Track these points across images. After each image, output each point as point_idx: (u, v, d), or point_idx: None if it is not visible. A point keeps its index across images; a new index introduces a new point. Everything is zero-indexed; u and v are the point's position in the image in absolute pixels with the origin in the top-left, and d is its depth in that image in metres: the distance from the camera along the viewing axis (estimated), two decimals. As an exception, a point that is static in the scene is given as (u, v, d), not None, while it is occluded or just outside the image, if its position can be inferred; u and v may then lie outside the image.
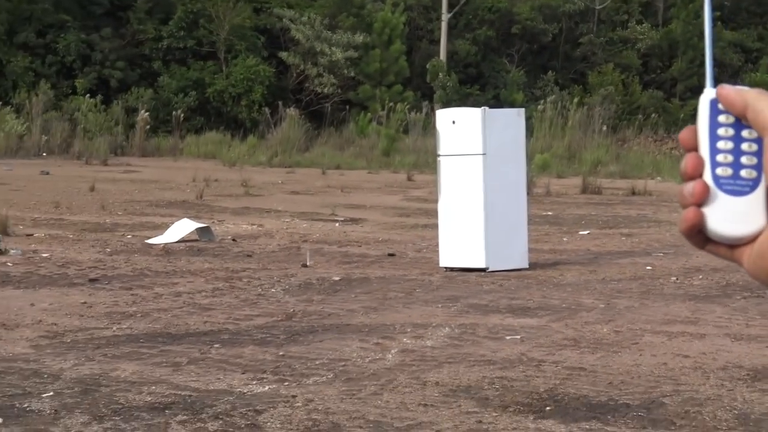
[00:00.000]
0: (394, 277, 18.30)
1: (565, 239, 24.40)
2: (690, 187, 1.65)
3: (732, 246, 1.66)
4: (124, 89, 63.60)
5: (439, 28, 69.93)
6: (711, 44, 1.78)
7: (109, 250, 20.99)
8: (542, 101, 60.25)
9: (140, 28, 67.47)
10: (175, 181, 37.85)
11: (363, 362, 11.77)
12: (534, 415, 9.89)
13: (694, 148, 1.68)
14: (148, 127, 56.88)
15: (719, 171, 1.64)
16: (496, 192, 19.32)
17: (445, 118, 20.18)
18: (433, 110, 43.79)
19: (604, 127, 59.37)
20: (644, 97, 71.50)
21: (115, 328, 13.48)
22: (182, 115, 59.96)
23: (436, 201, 20.14)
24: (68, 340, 12.75)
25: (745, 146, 1.64)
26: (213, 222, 24.83)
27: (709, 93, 1.69)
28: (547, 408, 10.14)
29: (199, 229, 22.72)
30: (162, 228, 23.39)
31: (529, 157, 24.19)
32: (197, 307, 15.05)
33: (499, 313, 14.93)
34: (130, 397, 10.23)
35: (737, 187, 1.64)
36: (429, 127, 47.77)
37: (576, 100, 61.48)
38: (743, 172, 1.64)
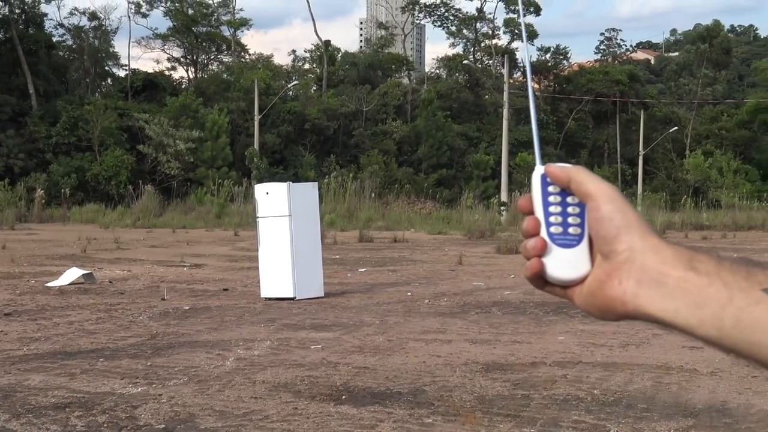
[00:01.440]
0: (228, 305, 18.10)
1: (349, 275, 24.35)
2: (532, 242, 1.63)
3: (565, 287, 1.65)
4: (25, 174, 62.64)
5: (253, 126, 69.70)
6: (537, 129, 1.76)
7: (18, 291, 20.43)
8: (328, 176, 60.39)
9: (35, 129, 66.30)
10: (65, 240, 37.08)
11: (209, 368, 11.62)
12: (334, 402, 9.83)
13: (531, 212, 1.67)
14: (43, 201, 55.85)
15: (552, 229, 1.63)
16: (299, 241, 19.27)
17: (262, 190, 20.09)
18: (250, 185, 43.59)
19: (372, 194, 59.77)
20: (399, 173, 72.26)
21: (25, 349, 13.12)
22: (68, 192, 59.09)
23: (256, 250, 19.98)
24: (-10, 360, 12.38)
25: (570, 209, 1.64)
26: (94, 269, 24.34)
27: (539, 169, 1.68)
28: (343, 397, 10.08)
29: (84, 275, 22.26)
30: (57, 274, 22.87)
31: (321, 217, 24.10)
32: (86, 332, 14.71)
33: (305, 330, 14.84)
34: (39, 400, 9.96)
35: (567, 240, 1.63)
36: (248, 197, 47.53)
37: (351, 175, 61.93)
38: (571, 230, 1.63)
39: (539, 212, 1.66)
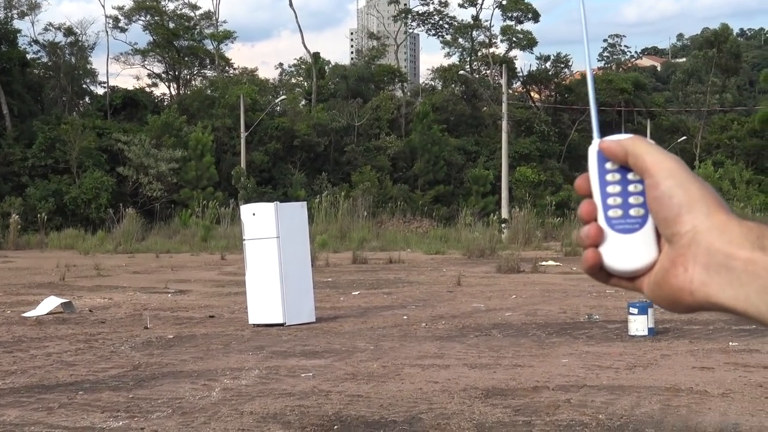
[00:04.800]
0: (214, 333, 18.11)
1: (341, 298, 24.36)
2: (586, 230, 1.54)
3: (631, 278, 1.55)
4: (0, 198, 62.39)
5: (240, 143, 69.70)
6: (594, 100, 1.64)
7: (-7, 323, 20.47)
8: (319, 195, 60.36)
9: (10, 152, 66.24)
10: (42, 267, 37.07)
11: (194, 399, 11.62)
12: (326, 433, 9.86)
13: (588, 195, 1.58)
14: (19, 227, 55.73)
15: (611, 213, 1.54)
16: (288, 265, 19.29)
17: (248, 211, 20.12)
18: (237, 206, 43.61)
19: (366, 213, 59.70)
20: (394, 190, 72.22)
21: (0, 383, 13.12)
22: (45, 216, 58.97)
23: (244, 274, 19.99)
24: (-36, 395, 12.38)
25: (631, 188, 1.53)
26: (74, 297, 24.33)
27: (596, 143, 1.58)
28: (335, 427, 10.10)
29: (63, 304, 22.24)
30: (34, 304, 22.86)
31: (312, 238, 24.13)
32: (64, 364, 14.72)
33: (295, 357, 14.85)
34: (15, 437, 9.98)
35: (628, 225, 1.53)
36: (235, 219, 47.54)
37: (344, 193, 61.96)
38: (632, 212, 1.53)
39: (596, 194, 1.58)
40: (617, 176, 1.55)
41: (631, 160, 1.54)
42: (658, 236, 1.53)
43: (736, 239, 1.46)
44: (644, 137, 1.56)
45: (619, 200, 1.54)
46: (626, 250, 1.54)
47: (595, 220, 1.55)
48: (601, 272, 1.56)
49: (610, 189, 1.55)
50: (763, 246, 1.44)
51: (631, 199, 1.54)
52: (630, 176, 1.54)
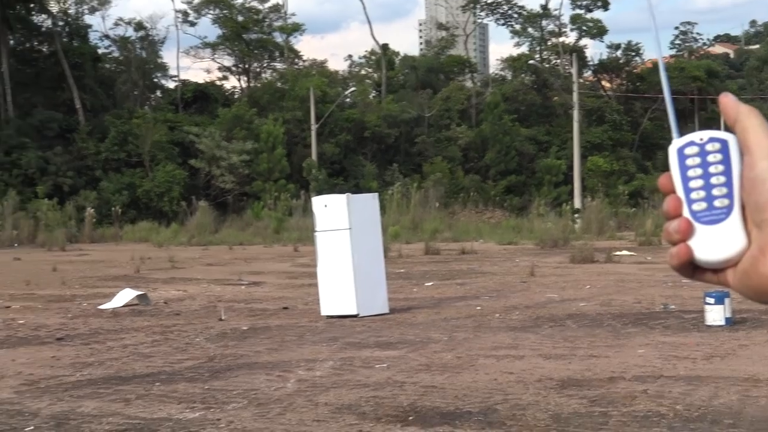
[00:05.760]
0: (288, 324, 18.18)
1: (415, 290, 24.36)
2: (675, 225, 1.51)
3: (716, 270, 1.52)
4: (75, 192, 63.17)
5: (310, 136, 69.85)
6: (671, 101, 1.63)
7: (70, 315, 20.67)
8: (391, 187, 60.41)
9: (84, 146, 66.93)
10: (117, 260, 37.43)
11: (269, 390, 11.68)
12: (400, 424, 9.86)
13: (672, 191, 1.55)
14: (94, 220, 56.39)
15: (695, 207, 1.52)
16: (360, 256, 19.30)
17: (319, 203, 20.15)
18: (309, 197, 43.78)
19: (437, 204, 59.73)
20: (466, 181, 72.07)
21: (78, 375, 13.27)
22: (119, 210, 59.51)
23: (316, 266, 20.04)
24: (42, 386, 12.53)
25: (713, 179, 1.52)
26: (149, 290, 24.54)
27: (675, 143, 1.57)
28: (410, 418, 10.10)
29: (138, 296, 22.46)
30: (110, 296, 23.09)
31: (384, 229, 24.13)
32: (140, 356, 14.85)
33: (369, 348, 14.87)
34: (93, 427, 10.07)
35: (713, 216, 1.51)
36: (307, 210, 47.71)
37: (415, 185, 61.97)
38: (716, 202, 1.51)
39: (679, 189, 1.56)
40: (699, 170, 1.54)
41: (738, 129, 1.52)
42: (746, 223, 1.49)
43: None
44: (759, 114, 1.52)
45: (702, 193, 1.53)
46: (715, 241, 1.52)
47: (681, 215, 1.53)
48: (687, 266, 1.53)
49: (692, 184, 1.54)
50: None
51: (715, 191, 1.52)
52: (711, 169, 1.52)
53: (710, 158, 1.51)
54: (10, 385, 12.69)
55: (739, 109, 1.51)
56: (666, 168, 1.56)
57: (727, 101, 1.51)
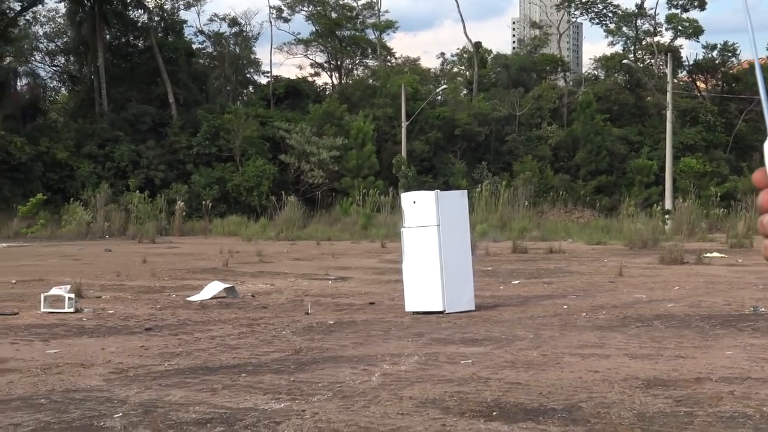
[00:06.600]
0: (374, 319, 18.24)
1: (501, 287, 24.31)
2: None
3: None
4: (166, 186, 63.94)
5: (400, 133, 69.91)
6: (767, 101, 1.70)
7: (159, 306, 20.91)
8: (479, 185, 60.32)
9: (176, 140, 67.70)
10: (206, 253, 37.80)
11: (354, 383, 11.74)
12: (484, 419, 9.87)
13: (766, 185, 1.60)
14: (184, 213, 56.97)
15: None
16: (448, 253, 19.30)
17: (408, 199, 20.17)
18: (398, 194, 43.82)
19: (526, 203, 59.51)
20: (555, 180, 71.72)
21: (166, 365, 13.43)
22: (209, 203, 60.04)
23: (401, 262, 20.05)
24: (131, 375, 12.70)
25: None
26: (236, 283, 24.75)
27: None
28: (494, 413, 10.11)
29: (226, 289, 22.65)
30: (198, 288, 23.33)
31: (472, 227, 24.11)
32: (227, 347, 15.00)
33: (454, 344, 14.89)
34: (180, 415, 10.19)
35: None
36: (395, 207, 47.76)
37: (504, 183, 61.93)
38: None
39: None
40: None
41: None
42: None
43: None
44: None
45: None
46: None
47: None
48: None
49: None
50: None
51: None
52: None
53: None
54: (99, 373, 12.88)
55: None
56: (761, 165, 1.59)
57: None
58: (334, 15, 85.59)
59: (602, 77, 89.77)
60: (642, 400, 10.60)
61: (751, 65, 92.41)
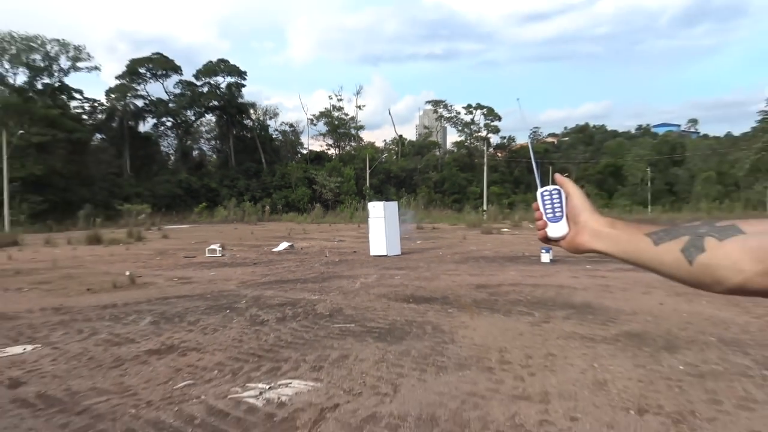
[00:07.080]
0: (356, 259, 17.99)
1: (412, 244, 23.60)
2: (540, 223, 1.66)
3: (557, 241, 1.65)
4: (260, 199, 62.64)
5: (366, 175, 68.25)
6: (537, 166, 1.74)
7: (259, 252, 20.64)
8: (401, 198, 57.13)
9: (266, 179, 65.47)
10: (279, 230, 37.23)
11: (348, 287, 11.72)
12: (406, 303, 9.83)
13: (538, 209, 1.68)
14: (269, 211, 55.95)
15: (548, 215, 1.64)
16: (388, 228, 18.30)
17: (371, 205, 19.03)
18: (366, 204, 41.96)
19: (422, 207, 56.01)
20: (436, 197, 68.39)
21: (263, 279, 13.34)
22: (280, 207, 58.93)
23: (368, 233, 19.59)
24: (248, 283, 12.62)
25: (555, 205, 1.63)
26: (294, 242, 24.55)
27: (540, 189, 1.67)
28: (410, 300, 10.08)
29: (289, 245, 22.46)
30: (276, 245, 23.09)
31: (401, 218, 23.30)
32: (290, 271, 14.86)
33: (392, 269, 14.68)
34: (270, 302, 10.16)
35: (555, 218, 1.63)
36: (365, 209, 45.45)
37: (414, 199, 59.53)
38: (557, 213, 1.63)
39: (542, 209, 1.67)
40: (549, 203, 1.66)
41: (564, 187, 1.66)
42: (569, 222, 1.65)
43: (602, 223, 1.60)
44: (569, 180, 1.67)
45: (549, 211, 1.65)
46: (556, 229, 1.65)
47: (541, 219, 1.67)
48: (545, 239, 1.68)
49: (547, 206, 1.66)
50: (613, 226, 1.58)
51: (556, 210, 1.65)
52: (555, 203, 1.65)
53: (554, 195, 1.67)
54: (234, 283, 12.82)
55: (563, 180, 1.67)
56: (535, 200, 1.72)
57: (559, 178, 1.68)
58: (336, 123, 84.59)
59: (455, 150, 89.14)
60: (475, 294, 10.69)
61: (525, 146, 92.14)
